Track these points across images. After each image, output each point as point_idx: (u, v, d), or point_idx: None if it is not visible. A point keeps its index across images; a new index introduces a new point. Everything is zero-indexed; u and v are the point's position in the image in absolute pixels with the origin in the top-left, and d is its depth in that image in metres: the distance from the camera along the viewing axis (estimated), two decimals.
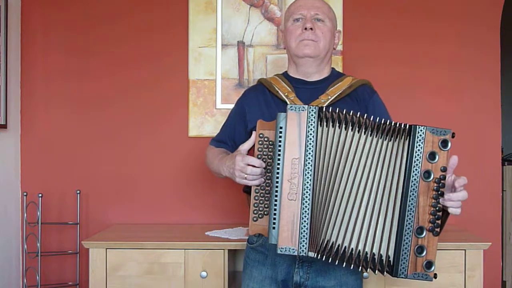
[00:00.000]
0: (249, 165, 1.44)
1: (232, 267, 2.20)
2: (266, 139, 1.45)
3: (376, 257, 1.37)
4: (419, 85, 2.45)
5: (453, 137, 1.34)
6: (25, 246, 2.42)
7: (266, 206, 1.45)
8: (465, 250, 1.98)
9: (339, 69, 2.42)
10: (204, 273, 1.99)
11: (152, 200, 2.48)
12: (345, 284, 1.58)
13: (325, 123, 1.39)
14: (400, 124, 1.37)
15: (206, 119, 2.45)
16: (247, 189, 1.67)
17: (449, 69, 2.45)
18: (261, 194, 1.45)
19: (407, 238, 1.34)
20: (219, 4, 2.46)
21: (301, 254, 1.38)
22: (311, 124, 1.38)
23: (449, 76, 2.45)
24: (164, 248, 2.01)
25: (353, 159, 1.38)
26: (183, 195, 2.48)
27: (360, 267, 1.38)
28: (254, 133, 1.48)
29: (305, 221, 1.37)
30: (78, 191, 2.42)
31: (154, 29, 2.48)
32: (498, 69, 2.46)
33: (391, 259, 1.36)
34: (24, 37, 2.49)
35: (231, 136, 1.75)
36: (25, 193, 2.40)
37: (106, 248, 2.01)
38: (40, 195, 2.34)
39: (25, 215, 2.39)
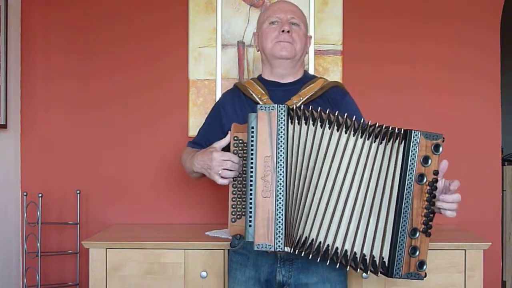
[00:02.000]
0: (226, 160, 1.48)
1: None
2: (240, 141, 1.50)
3: (367, 257, 1.39)
4: (419, 85, 2.45)
5: (443, 141, 1.37)
6: (25, 246, 2.42)
7: (243, 207, 1.47)
8: (465, 250, 1.98)
9: (339, 69, 2.42)
10: (204, 273, 1.99)
11: (152, 200, 2.48)
12: (328, 280, 1.59)
13: (296, 121, 1.43)
14: (394, 128, 1.39)
15: None
16: None
17: (449, 69, 2.45)
18: (238, 195, 1.49)
19: (401, 239, 1.37)
20: (219, 4, 2.46)
21: (277, 249, 1.40)
22: (281, 122, 1.41)
23: (449, 76, 2.45)
24: (164, 248, 2.01)
25: (333, 157, 1.40)
26: (183, 195, 2.48)
27: (348, 267, 1.40)
28: (229, 132, 1.52)
29: (279, 217, 1.40)
30: (78, 191, 2.42)
31: (154, 29, 2.48)
32: (498, 69, 2.46)
33: (386, 260, 1.38)
34: (24, 37, 2.49)
35: (206, 138, 1.78)
36: (25, 193, 2.40)
37: (106, 248, 2.01)
38: (40, 195, 2.34)
39: (25, 215, 2.39)
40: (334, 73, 2.41)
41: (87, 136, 2.49)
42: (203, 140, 1.79)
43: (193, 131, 2.45)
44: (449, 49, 2.44)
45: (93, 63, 2.49)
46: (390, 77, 2.44)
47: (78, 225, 2.42)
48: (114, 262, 2.00)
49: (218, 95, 2.45)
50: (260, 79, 1.75)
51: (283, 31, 1.64)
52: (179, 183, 2.48)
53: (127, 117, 2.48)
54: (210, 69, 2.46)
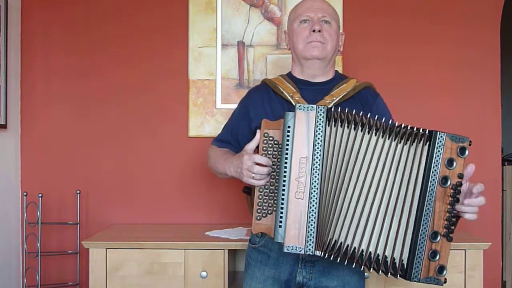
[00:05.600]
0: (256, 163, 1.45)
1: (232, 267, 2.20)
2: (271, 138, 1.46)
3: (388, 260, 1.38)
4: (419, 85, 2.45)
5: (470, 144, 1.36)
6: (25, 246, 2.42)
7: (270, 205, 1.45)
8: (465, 250, 1.98)
9: (339, 69, 2.42)
10: (204, 273, 1.99)
11: (152, 200, 2.48)
12: (348, 284, 1.58)
13: (333, 123, 1.40)
14: (419, 129, 1.37)
15: (206, 119, 2.45)
16: (246, 190, 1.67)
17: (449, 69, 2.45)
18: (265, 193, 1.46)
19: (421, 242, 1.35)
20: (219, 4, 2.46)
21: (307, 253, 1.39)
22: (320, 124, 1.39)
23: (449, 76, 2.45)
24: (164, 248, 2.01)
25: (363, 160, 1.39)
26: (183, 195, 2.48)
27: (371, 269, 1.38)
28: (258, 131, 1.48)
29: (312, 220, 1.38)
30: (78, 191, 2.42)
31: (154, 29, 2.48)
32: (498, 69, 2.46)
33: (405, 262, 1.37)
34: (24, 37, 2.49)
35: (234, 135, 1.74)
36: (25, 193, 2.40)
37: (106, 248, 2.01)
38: (40, 195, 2.34)
39: (25, 215, 2.39)
40: None
41: (87, 136, 2.49)
42: (231, 138, 1.75)
43: (193, 131, 2.45)
44: (449, 49, 2.44)
45: (93, 63, 2.49)
46: (390, 77, 2.44)
47: (78, 225, 2.42)
48: (114, 262, 2.00)
49: (218, 95, 2.45)
50: (290, 77, 1.71)
51: (313, 30, 1.61)
52: (179, 183, 2.48)
53: (127, 117, 2.48)
54: (210, 69, 2.46)
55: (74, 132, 2.49)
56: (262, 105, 1.67)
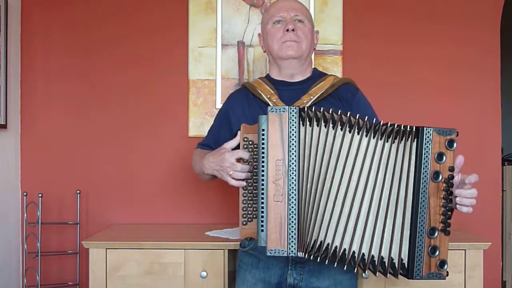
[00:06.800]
0: (238, 158, 1.46)
1: (232, 267, 2.20)
2: (250, 142, 1.47)
3: (385, 260, 1.36)
4: (418, 85, 2.45)
5: (457, 135, 1.35)
6: (25, 246, 2.42)
7: (254, 209, 1.45)
8: (465, 250, 1.98)
9: (339, 69, 2.42)
10: (204, 273, 1.99)
11: (152, 200, 2.48)
12: (340, 283, 1.57)
13: (308, 123, 1.39)
14: (405, 126, 1.36)
15: (206, 119, 2.45)
16: None
17: (449, 69, 2.45)
18: (249, 198, 1.46)
19: (420, 239, 1.34)
20: (219, 4, 2.46)
21: (290, 255, 1.38)
22: (293, 125, 1.38)
23: (449, 76, 2.45)
24: (164, 248, 2.01)
25: (346, 159, 1.37)
26: (183, 195, 2.48)
27: (366, 271, 1.37)
28: (239, 133, 1.49)
29: (292, 222, 1.38)
30: (78, 191, 2.42)
31: (154, 29, 2.48)
32: (498, 69, 2.46)
33: (405, 261, 1.36)
34: (24, 37, 2.49)
35: (215, 139, 1.76)
36: (25, 193, 2.40)
37: (106, 248, 2.01)
38: (40, 195, 2.34)
39: (25, 215, 2.39)
40: (334, 73, 2.40)
41: (87, 136, 2.49)
42: (212, 142, 1.77)
43: (193, 131, 2.46)
44: (449, 49, 2.44)
45: (93, 63, 2.49)
46: (390, 77, 2.44)
47: (78, 225, 2.42)
48: (114, 262, 2.00)
49: (218, 95, 2.45)
50: (268, 79, 1.72)
51: (287, 30, 1.61)
52: (179, 183, 2.48)
53: (127, 117, 2.48)
54: (210, 69, 2.46)
55: (74, 132, 2.49)
56: (241, 109, 1.68)
